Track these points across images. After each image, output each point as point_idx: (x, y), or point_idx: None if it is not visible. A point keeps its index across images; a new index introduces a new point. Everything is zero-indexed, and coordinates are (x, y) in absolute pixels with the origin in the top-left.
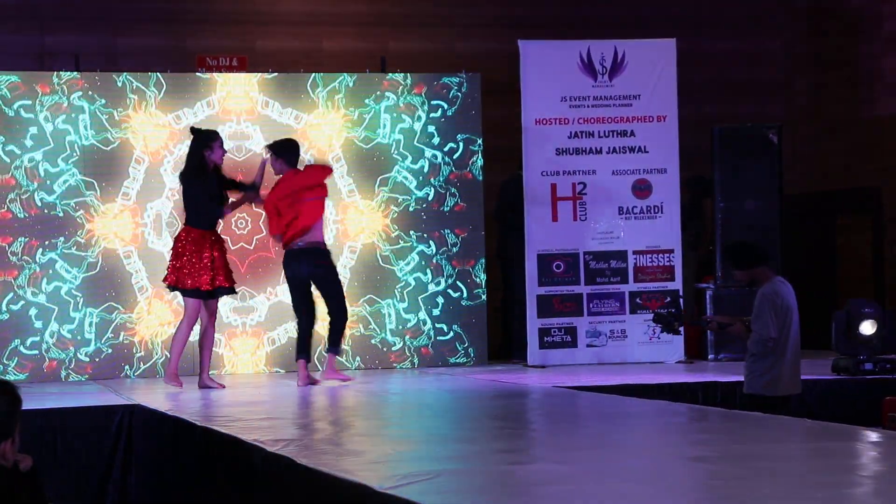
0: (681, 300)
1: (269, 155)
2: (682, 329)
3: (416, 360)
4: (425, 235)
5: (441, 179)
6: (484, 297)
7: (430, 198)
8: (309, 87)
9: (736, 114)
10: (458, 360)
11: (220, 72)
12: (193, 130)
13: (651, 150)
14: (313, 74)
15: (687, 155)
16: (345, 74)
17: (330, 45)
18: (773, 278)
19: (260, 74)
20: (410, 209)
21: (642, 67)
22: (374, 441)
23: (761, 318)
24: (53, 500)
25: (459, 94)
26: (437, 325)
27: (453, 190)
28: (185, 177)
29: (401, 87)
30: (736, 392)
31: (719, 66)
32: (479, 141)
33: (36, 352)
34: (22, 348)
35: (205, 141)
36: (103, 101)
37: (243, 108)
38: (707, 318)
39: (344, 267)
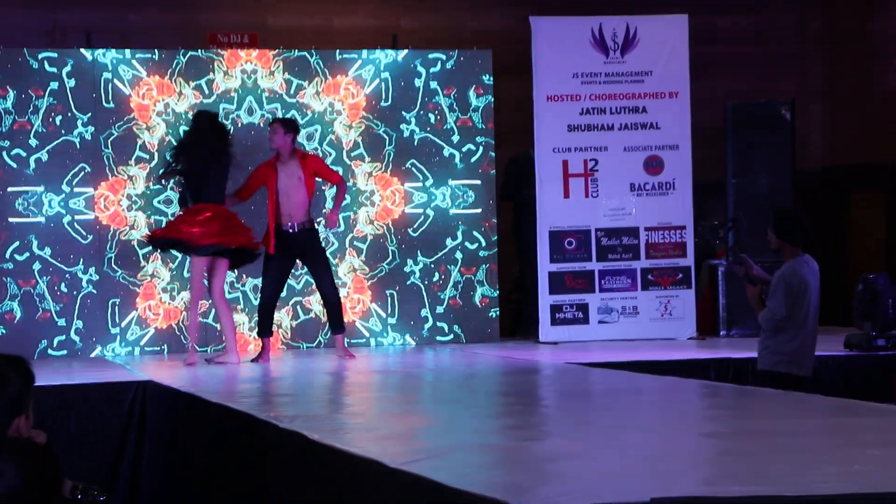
0: (742, 225)
1: (276, 129)
2: (724, 239)
3: (424, 337)
4: (440, 191)
5: (453, 157)
6: (496, 272)
7: (442, 190)
8: (320, 65)
9: (749, 90)
10: (469, 337)
11: (232, 48)
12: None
13: (663, 127)
14: (325, 52)
15: (699, 131)
16: (356, 52)
17: (341, 22)
18: (797, 257)
19: (271, 51)
20: (424, 186)
21: (654, 43)
22: (386, 417)
23: (775, 296)
24: (67, 476)
25: (471, 69)
26: (451, 301)
27: (465, 174)
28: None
29: (412, 65)
30: (749, 368)
31: (732, 42)
32: (491, 117)
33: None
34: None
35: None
36: (114, 77)
37: (254, 85)
38: (743, 257)
39: (352, 254)
